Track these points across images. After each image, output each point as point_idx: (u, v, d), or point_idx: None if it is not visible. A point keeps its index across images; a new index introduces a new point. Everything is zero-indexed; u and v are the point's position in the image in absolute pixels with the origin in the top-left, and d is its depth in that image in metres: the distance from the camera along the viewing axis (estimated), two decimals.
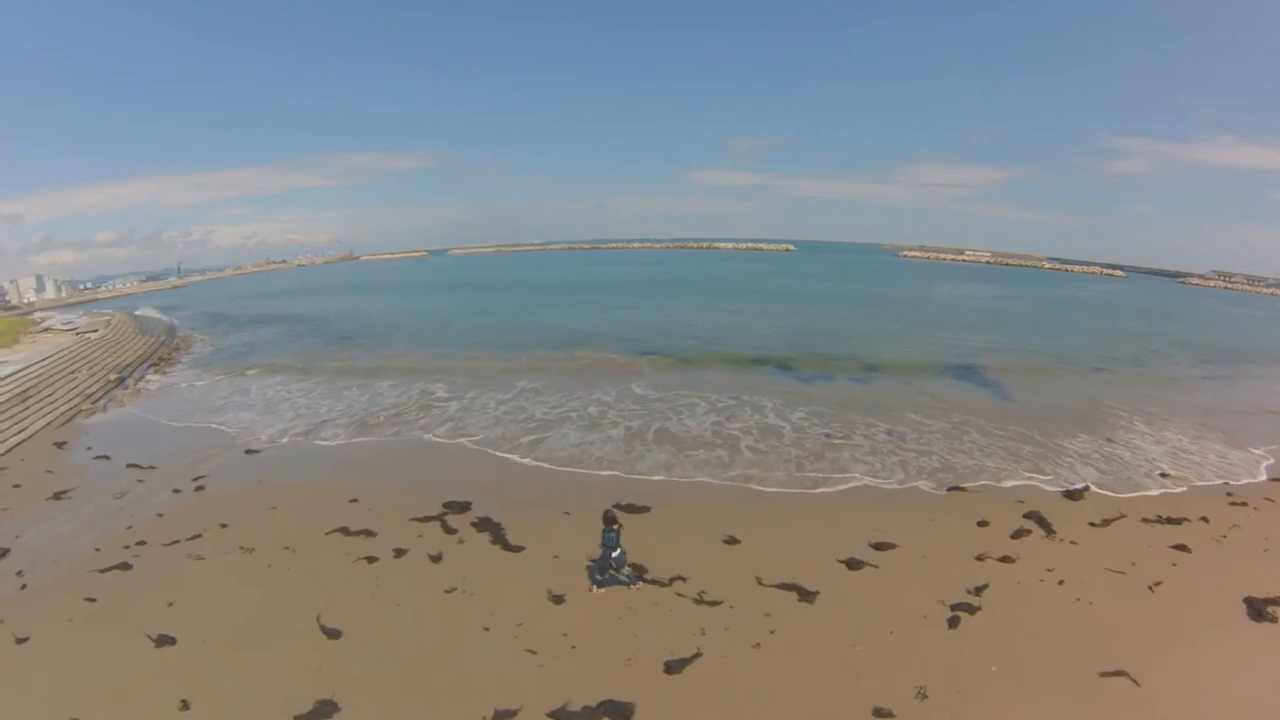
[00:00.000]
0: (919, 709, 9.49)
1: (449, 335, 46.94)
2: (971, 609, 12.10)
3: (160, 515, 18.24)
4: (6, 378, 28.75)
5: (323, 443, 24.45)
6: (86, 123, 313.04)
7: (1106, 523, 16.15)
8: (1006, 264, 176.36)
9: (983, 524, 15.89)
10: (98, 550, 16.23)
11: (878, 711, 9.44)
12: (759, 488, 18.82)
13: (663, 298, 66.73)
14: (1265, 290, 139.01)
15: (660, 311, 54.07)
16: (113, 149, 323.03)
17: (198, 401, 31.34)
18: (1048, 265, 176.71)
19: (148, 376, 36.18)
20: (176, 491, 20.01)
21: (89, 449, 24.43)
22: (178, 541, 16.51)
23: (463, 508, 17.93)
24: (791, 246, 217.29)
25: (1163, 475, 19.77)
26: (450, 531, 16.63)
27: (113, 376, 34.45)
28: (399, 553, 15.52)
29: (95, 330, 46.18)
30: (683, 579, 13.31)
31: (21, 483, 21.03)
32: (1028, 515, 16.30)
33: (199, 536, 16.75)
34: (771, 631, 11.50)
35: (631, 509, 16.94)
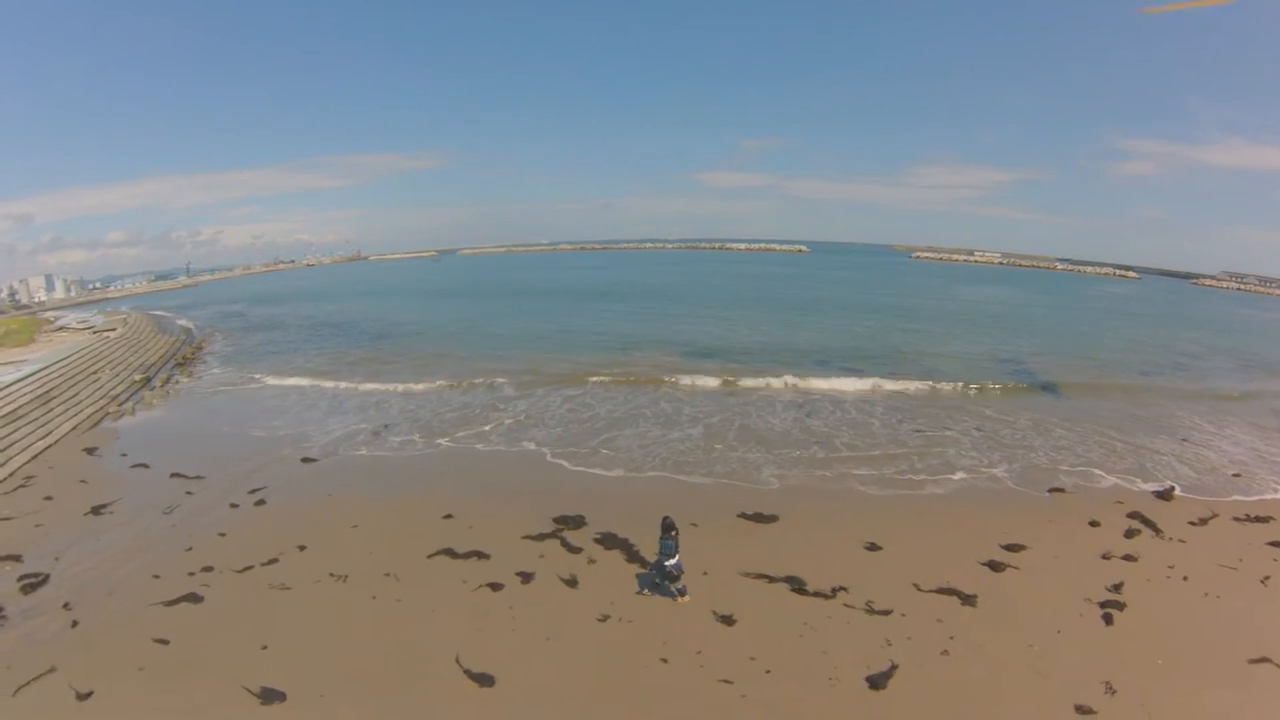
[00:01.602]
0: (1113, 704, 9.50)
1: (493, 339, 43.67)
2: (1119, 606, 12.09)
3: (222, 535, 15.74)
4: (27, 377, 26.18)
5: (388, 451, 21.91)
6: (96, 123, 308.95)
7: (1204, 522, 16.12)
8: (1019, 265, 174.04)
9: (1094, 524, 15.77)
10: (157, 577, 13.74)
11: (1079, 709, 9.36)
12: (870, 490, 18.03)
13: (696, 306, 61.13)
14: (1277, 292, 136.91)
15: (701, 322, 49.64)
16: (122, 149, 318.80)
17: (234, 404, 28.79)
18: (1060, 266, 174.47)
19: (175, 377, 33.53)
20: (234, 506, 17.50)
21: (124, 455, 21.92)
22: (251, 567, 14.00)
23: (577, 523, 15.77)
24: (804, 248, 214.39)
25: (1235, 476, 19.73)
26: (573, 550, 14.49)
27: (138, 377, 31.86)
28: (525, 577, 13.31)
29: (113, 329, 43.56)
30: (844, 589, 12.54)
31: (54, 494, 18.51)
32: (1131, 515, 16.23)
33: (276, 561, 14.23)
34: (951, 637, 11.07)
35: (759, 518, 15.83)
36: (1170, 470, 19.98)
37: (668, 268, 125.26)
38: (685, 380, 29.87)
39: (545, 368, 33.02)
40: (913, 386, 29.43)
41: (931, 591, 12.51)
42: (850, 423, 24.17)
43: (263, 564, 14.11)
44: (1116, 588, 12.72)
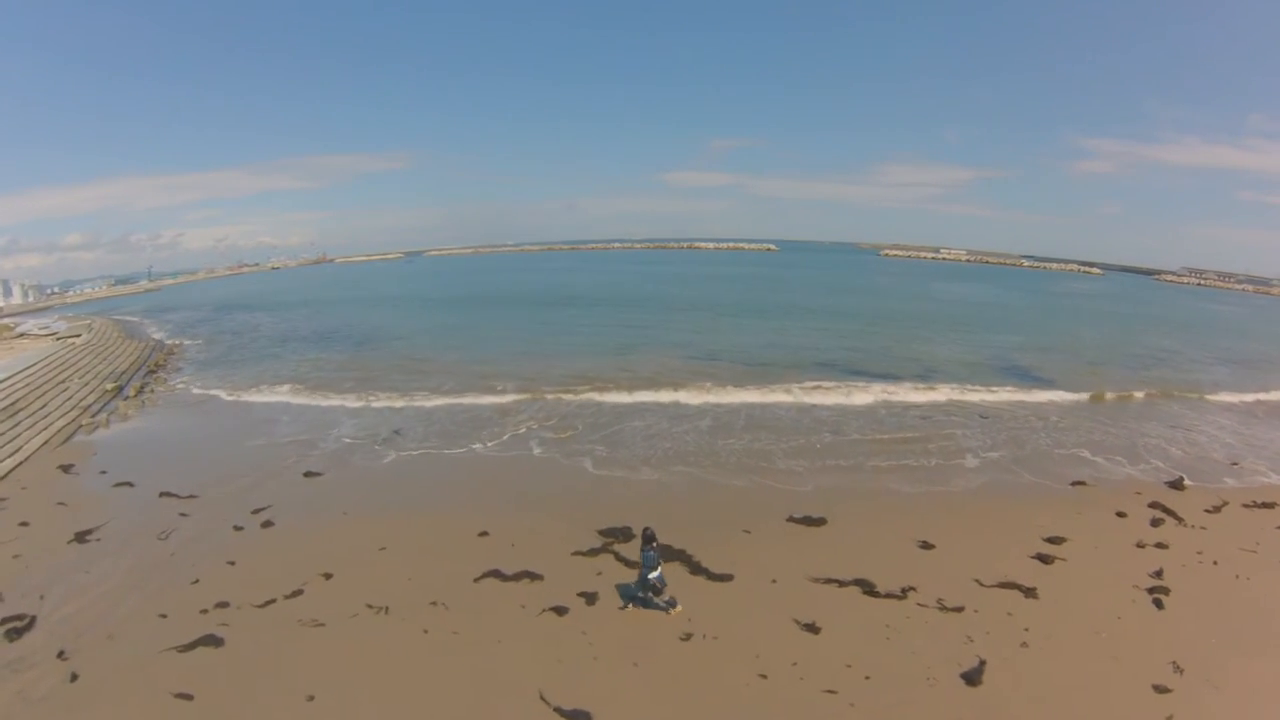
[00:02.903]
0: (1184, 681, 9.89)
1: (484, 345, 41.31)
2: (1164, 591, 12.49)
3: (231, 563, 14.07)
4: None
5: (398, 463, 20.36)
6: (52, 122, 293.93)
7: (1217, 509, 16.70)
8: (986, 262, 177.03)
9: (1121, 514, 16.15)
10: (164, 617, 12.07)
11: (1157, 688, 9.73)
12: (903, 487, 18.00)
13: (682, 312, 55.81)
14: (1236, 286, 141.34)
15: (692, 330, 45.94)
16: (79, 150, 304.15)
17: (219, 414, 26.75)
18: (1025, 264, 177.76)
19: (149, 386, 31.15)
20: (238, 529, 15.80)
21: (103, 473, 19.92)
22: (273, 601, 12.40)
23: (625, 535, 14.75)
24: (773, 246, 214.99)
25: (1233, 464, 20.53)
26: (631, 565, 13.42)
27: (109, 386, 29.48)
28: (588, 598, 12.26)
29: (78, 335, 40.69)
30: (913, 589, 12.41)
31: (30, 520, 16.54)
32: (1152, 505, 16.72)
33: (300, 593, 12.66)
34: (1026, 629, 11.18)
35: (808, 521, 15.46)
36: (1171, 460, 20.75)
37: (641, 269, 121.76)
38: (691, 384, 28.72)
39: (546, 374, 31.33)
40: (912, 385, 29.35)
41: (994, 586, 12.53)
42: (856, 412, 25.14)
43: (285, 596, 12.54)
44: (1158, 574, 13.16)
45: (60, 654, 10.99)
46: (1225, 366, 38.43)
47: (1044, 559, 13.67)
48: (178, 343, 46.14)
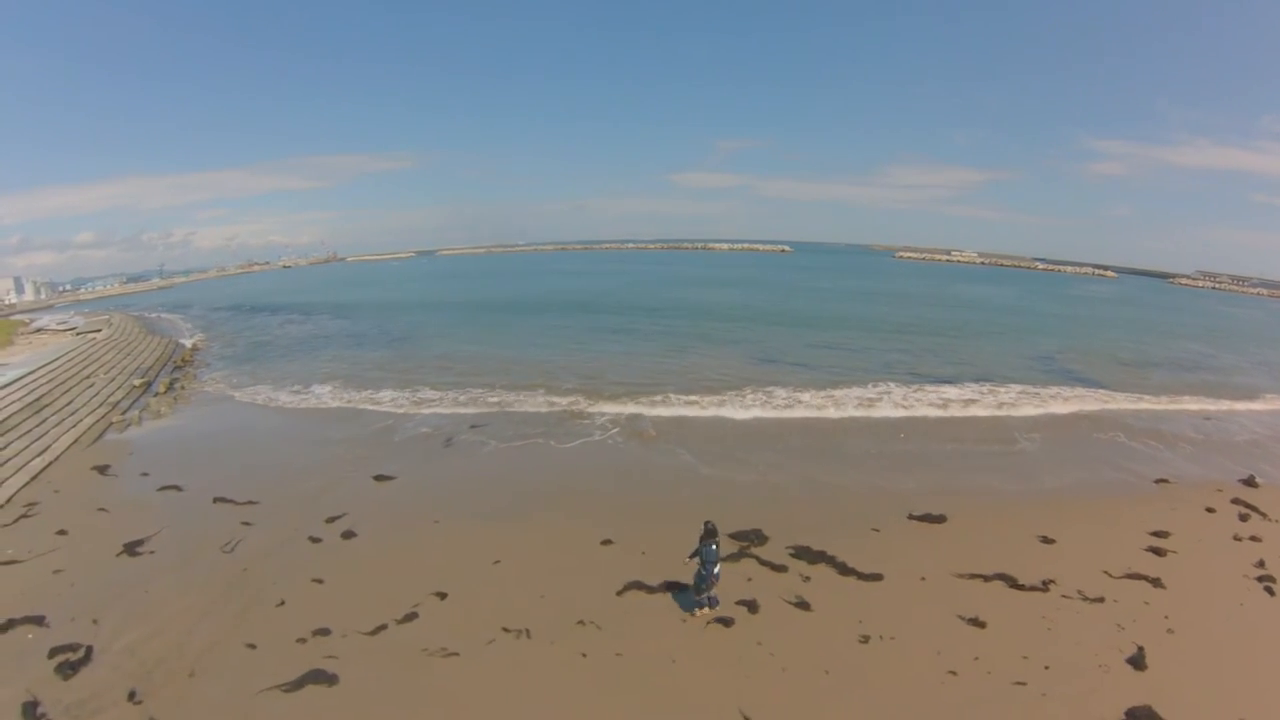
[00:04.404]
0: None
1: (529, 347, 37.55)
2: (1272, 579, 12.55)
3: (319, 581, 11.95)
4: (14, 383, 21.65)
5: (478, 464, 18.35)
6: (65, 122, 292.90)
7: None
8: (1000, 265, 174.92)
9: (1210, 510, 16.11)
10: (252, 647, 9.97)
11: None
12: (1002, 485, 17.58)
13: (730, 322, 48.11)
14: (1250, 290, 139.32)
15: (748, 343, 37.78)
16: (90, 148, 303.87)
17: (260, 412, 24.61)
18: (1040, 266, 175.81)
19: (179, 382, 28.92)
20: (315, 540, 13.66)
21: (145, 475, 17.81)
22: (385, 627, 10.24)
23: (759, 538, 13.42)
24: (787, 248, 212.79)
25: None
26: (777, 569, 12.33)
27: (137, 381, 27.27)
28: (750, 607, 11.06)
29: (98, 330, 38.50)
30: (1053, 581, 12.21)
31: (68, 528, 14.40)
32: (1234, 501, 16.72)
33: (415, 616, 10.51)
34: (1166, 616, 11.21)
35: (929, 518, 15.00)
36: (1235, 457, 20.74)
37: (659, 270, 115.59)
38: (759, 389, 26.62)
39: (608, 374, 29.11)
40: (975, 388, 28.22)
41: (1123, 578, 12.51)
42: (929, 416, 24.31)
43: (398, 621, 10.40)
44: (1260, 564, 13.25)
45: (132, 696, 8.88)
46: (1261, 370, 37.66)
47: (1157, 552, 13.68)
48: (201, 339, 43.81)
